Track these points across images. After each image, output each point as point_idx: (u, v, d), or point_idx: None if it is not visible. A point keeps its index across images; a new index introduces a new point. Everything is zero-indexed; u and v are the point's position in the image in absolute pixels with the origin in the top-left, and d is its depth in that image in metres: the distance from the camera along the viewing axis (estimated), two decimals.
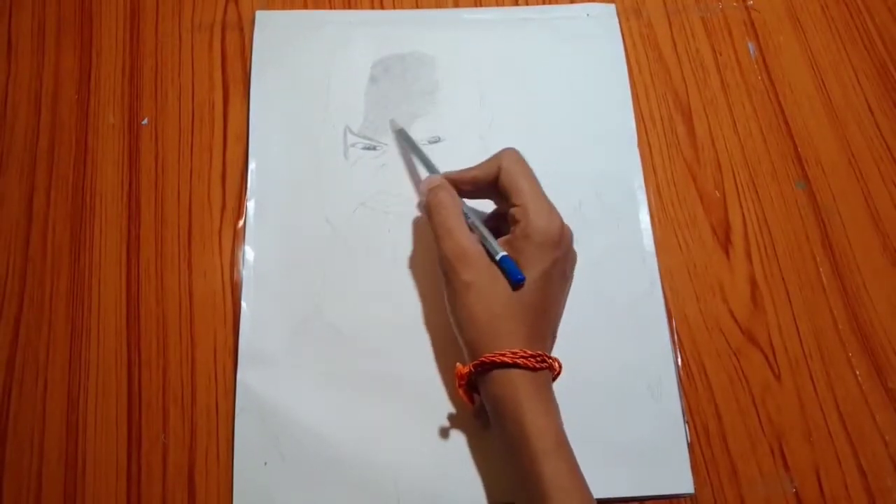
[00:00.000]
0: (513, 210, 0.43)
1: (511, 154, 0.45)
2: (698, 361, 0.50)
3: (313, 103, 0.55)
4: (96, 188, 0.52)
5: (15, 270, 0.50)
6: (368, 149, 0.54)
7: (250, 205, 0.52)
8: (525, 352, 0.40)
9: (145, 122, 0.54)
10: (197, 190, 0.52)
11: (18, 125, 0.54)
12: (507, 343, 0.40)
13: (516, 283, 0.41)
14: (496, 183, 0.44)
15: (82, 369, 0.48)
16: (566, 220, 0.43)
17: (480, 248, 0.43)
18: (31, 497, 0.45)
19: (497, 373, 0.40)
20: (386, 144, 0.54)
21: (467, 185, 0.46)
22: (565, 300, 0.45)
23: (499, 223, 0.47)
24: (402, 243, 0.51)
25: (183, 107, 0.55)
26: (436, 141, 0.54)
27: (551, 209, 0.43)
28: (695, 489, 0.46)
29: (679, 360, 0.49)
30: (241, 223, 0.52)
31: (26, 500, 0.45)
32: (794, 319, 0.51)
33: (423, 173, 0.50)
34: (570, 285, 0.45)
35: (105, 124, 0.54)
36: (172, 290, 0.50)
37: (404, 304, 0.49)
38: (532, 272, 0.41)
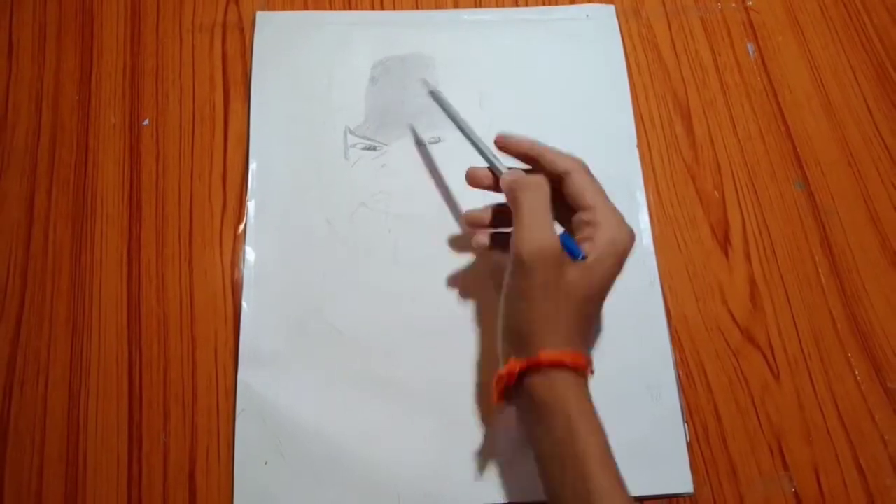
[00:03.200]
0: (584, 215, 0.42)
1: (582, 163, 0.43)
2: (697, 361, 0.50)
3: (314, 104, 0.55)
4: (97, 188, 0.52)
5: (16, 270, 0.50)
6: (368, 149, 0.54)
7: (251, 205, 0.52)
8: (579, 354, 0.39)
9: (146, 122, 0.54)
10: (198, 190, 0.53)
11: (20, 125, 0.54)
12: (564, 343, 0.39)
13: (579, 258, 0.40)
14: (552, 172, 0.43)
15: (83, 369, 0.48)
16: None
17: (561, 247, 0.40)
18: (31, 496, 0.45)
19: (551, 373, 0.38)
20: (386, 145, 0.54)
21: (531, 159, 0.44)
22: None
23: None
24: (402, 243, 0.51)
25: (184, 107, 0.55)
26: (436, 141, 0.54)
27: (624, 220, 0.42)
28: (694, 489, 0.46)
29: (678, 360, 0.49)
30: (241, 224, 0.52)
31: (27, 500, 0.45)
32: (794, 319, 0.51)
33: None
34: None
35: (106, 125, 0.54)
36: (173, 290, 0.50)
37: (404, 304, 0.50)
38: (607, 281, 0.40)
